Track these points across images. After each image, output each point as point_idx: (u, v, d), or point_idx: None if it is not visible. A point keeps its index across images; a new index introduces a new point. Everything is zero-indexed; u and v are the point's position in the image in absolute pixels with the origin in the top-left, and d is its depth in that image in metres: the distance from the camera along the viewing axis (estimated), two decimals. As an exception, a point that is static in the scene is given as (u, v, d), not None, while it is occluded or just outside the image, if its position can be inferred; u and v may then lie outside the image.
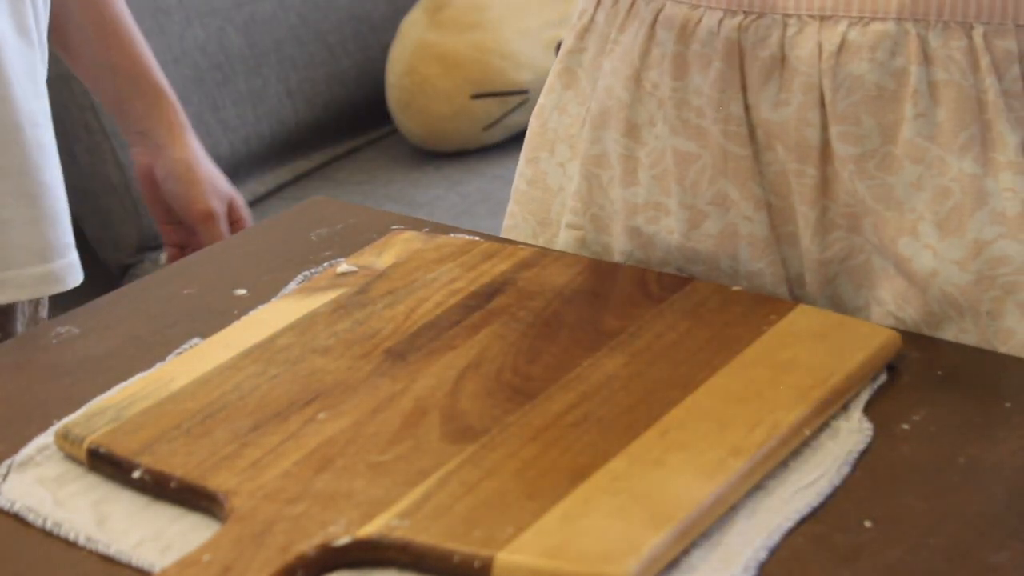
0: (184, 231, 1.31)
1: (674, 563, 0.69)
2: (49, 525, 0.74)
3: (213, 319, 0.92)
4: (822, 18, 0.86)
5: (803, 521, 0.72)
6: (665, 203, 0.94)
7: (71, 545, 0.73)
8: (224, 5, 2.25)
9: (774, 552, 0.70)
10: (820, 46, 0.86)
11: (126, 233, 2.09)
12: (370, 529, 0.70)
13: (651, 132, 0.94)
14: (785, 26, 0.87)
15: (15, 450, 0.80)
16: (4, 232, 1.05)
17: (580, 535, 0.69)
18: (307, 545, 0.69)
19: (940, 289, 0.87)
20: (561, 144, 1.01)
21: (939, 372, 0.84)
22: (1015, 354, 0.86)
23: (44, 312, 1.15)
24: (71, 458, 0.79)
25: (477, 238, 0.98)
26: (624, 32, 0.95)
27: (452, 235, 0.99)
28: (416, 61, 2.33)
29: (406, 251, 0.97)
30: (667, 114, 0.92)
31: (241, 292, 0.95)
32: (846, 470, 0.76)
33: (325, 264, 0.98)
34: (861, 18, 0.86)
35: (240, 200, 1.33)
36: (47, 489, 0.77)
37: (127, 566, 0.71)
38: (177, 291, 0.97)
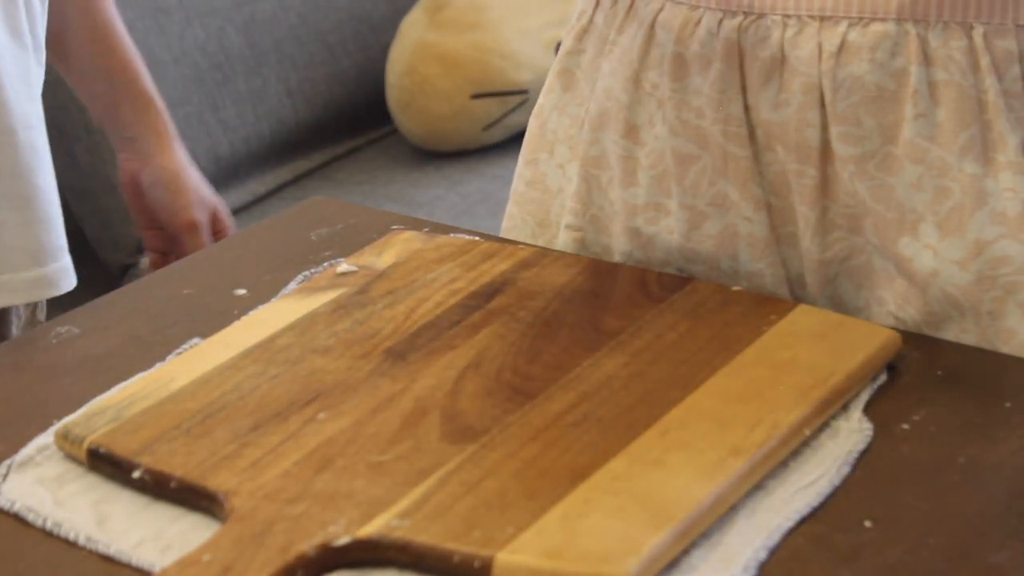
0: (166, 237, 1.32)
1: (674, 563, 0.69)
2: (49, 525, 0.74)
3: (213, 319, 0.92)
4: (822, 19, 0.86)
5: (803, 521, 0.72)
6: (665, 204, 0.94)
7: (71, 545, 0.73)
8: (224, 5, 2.25)
9: (774, 552, 0.70)
10: (820, 47, 0.86)
11: (126, 233, 2.08)
12: (370, 529, 0.70)
13: (650, 133, 0.94)
14: (785, 27, 0.87)
15: (15, 450, 0.80)
16: None
17: (580, 535, 0.69)
18: (307, 545, 0.69)
19: (941, 289, 0.87)
20: (560, 145, 1.01)
21: (939, 372, 0.84)
22: (1016, 354, 0.86)
23: (42, 316, 1.15)
24: (71, 458, 0.79)
25: (477, 238, 0.98)
26: (623, 33, 0.95)
27: (452, 235, 0.99)
28: (416, 61, 2.33)
29: (406, 251, 0.97)
30: (666, 115, 0.92)
31: (241, 292, 0.95)
32: (846, 470, 0.76)
33: (325, 264, 0.98)
34: (861, 18, 0.86)
35: (224, 209, 1.33)
36: (47, 489, 0.77)
37: (127, 566, 0.71)
38: (177, 291, 0.97)
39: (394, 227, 1.02)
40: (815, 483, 0.75)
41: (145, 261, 1.34)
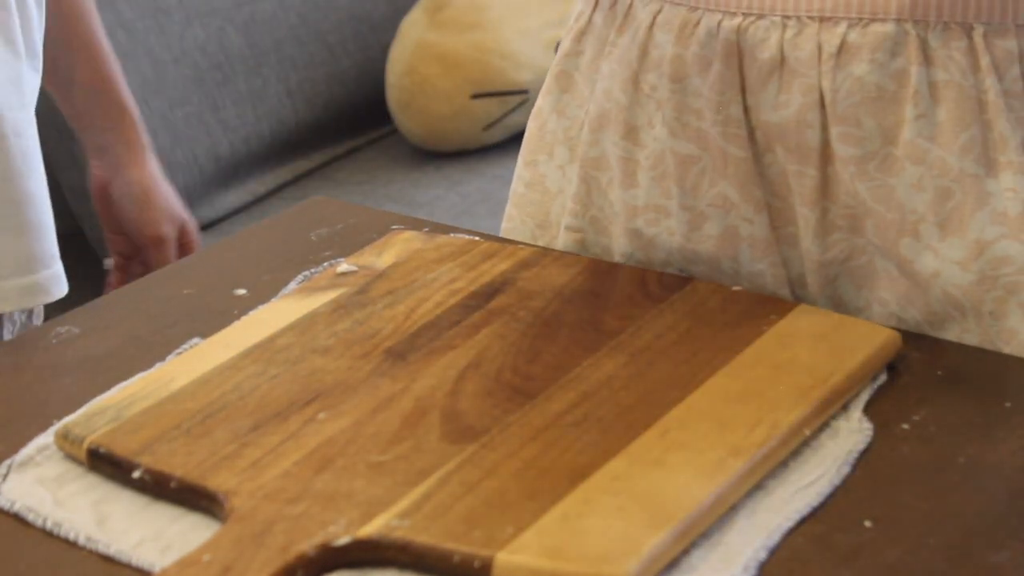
0: (132, 244, 1.32)
1: (674, 563, 0.69)
2: (49, 525, 0.74)
3: (213, 319, 0.92)
4: (821, 19, 0.86)
5: (803, 521, 0.72)
6: (665, 205, 0.94)
7: (71, 545, 0.73)
8: (224, 5, 2.25)
9: (774, 552, 0.70)
10: (820, 47, 0.86)
11: (126, 233, 2.08)
12: (370, 529, 0.70)
13: (650, 134, 0.94)
14: (784, 27, 0.87)
15: (15, 450, 0.80)
16: None
17: (580, 535, 0.69)
18: (307, 545, 0.69)
19: (942, 290, 0.87)
20: (560, 147, 1.01)
21: (939, 372, 0.84)
22: (1018, 354, 0.86)
23: (38, 322, 1.15)
24: (71, 458, 0.79)
25: (477, 238, 0.98)
26: (622, 34, 0.95)
27: (452, 235, 0.99)
28: (416, 61, 2.33)
29: (406, 251, 0.97)
30: (666, 116, 0.92)
31: (241, 292, 0.95)
32: (846, 470, 0.76)
33: (325, 264, 0.98)
34: (861, 19, 0.86)
35: (192, 225, 1.34)
36: (47, 489, 0.77)
37: (127, 566, 0.71)
38: (177, 291, 0.97)
39: (394, 227, 1.02)
40: (815, 483, 0.75)
41: (109, 262, 1.35)
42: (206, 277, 0.99)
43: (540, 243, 1.02)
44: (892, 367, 0.84)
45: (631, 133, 0.95)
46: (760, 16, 0.88)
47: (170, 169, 2.09)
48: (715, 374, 0.81)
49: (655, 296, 0.90)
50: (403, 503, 0.72)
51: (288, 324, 0.88)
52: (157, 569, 0.70)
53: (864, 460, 0.76)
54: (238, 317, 0.91)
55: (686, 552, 0.70)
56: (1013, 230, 0.85)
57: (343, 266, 0.95)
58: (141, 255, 1.32)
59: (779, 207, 0.91)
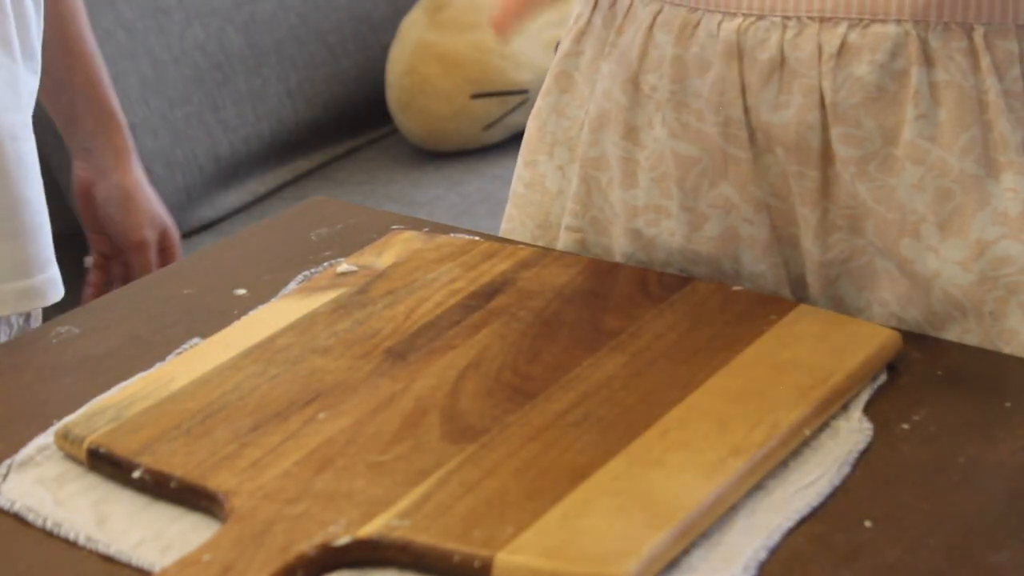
0: (113, 244, 1.32)
1: (674, 563, 0.69)
2: (49, 525, 0.74)
3: (213, 319, 0.92)
4: (822, 20, 0.86)
5: (803, 521, 0.72)
6: (666, 206, 0.94)
7: (71, 545, 0.73)
8: (224, 5, 2.25)
9: (774, 552, 0.70)
10: (820, 48, 0.86)
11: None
12: (370, 529, 0.70)
13: (650, 135, 0.94)
14: (784, 28, 0.87)
15: (15, 450, 0.80)
16: None
17: (580, 535, 0.69)
18: (307, 545, 0.69)
19: (943, 290, 0.87)
20: (560, 147, 1.01)
21: (939, 372, 0.84)
22: (1018, 354, 0.86)
23: (36, 324, 1.15)
24: (71, 458, 0.79)
25: (477, 238, 0.98)
26: (622, 35, 0.95)
27: (452, 235, 0.99)
28: (416, 61, 2.33)
29: (406, 251, 0.97)
30: (666, 117, 0.92)
31: (241, 292, 0.95)
32: (846, 470, 0.76)
33: (325, 264, 0.98)
34: (861, 20, 0.86)
35: (174, 231, 1.34)
36: (47, 489, 0.77)
37: (127, 566, 0.71)
38: (177, 291, 0.97)
39: (394, 227, 1.02)
40: (815, 483, 0.75)
41: (89, 260, 1.35)
42: (206, 277, 0.99)
43: (540, 243, 1.02)
44: (892, 367, 0.84)
45: (631, 133, 0.95)
46: (760, 17, 0.88)
47: (170, 169, 2.09)
48: (715, 374, 0.81)
49: (655, 296, 0.90)
50: (403, 503, 0.72)
51: (288, 324, 0.88)
52: (157, 569, 0.70)
53: (864, 460, 0.76)
54: (238, 317, 0.91)
55: (686, 552, 0.70)
56: (1014, 230, 0.85)
57: (343, 266, 0.95)
58: (122, 256, 1.32)
59: (779, 208, 0.91)
